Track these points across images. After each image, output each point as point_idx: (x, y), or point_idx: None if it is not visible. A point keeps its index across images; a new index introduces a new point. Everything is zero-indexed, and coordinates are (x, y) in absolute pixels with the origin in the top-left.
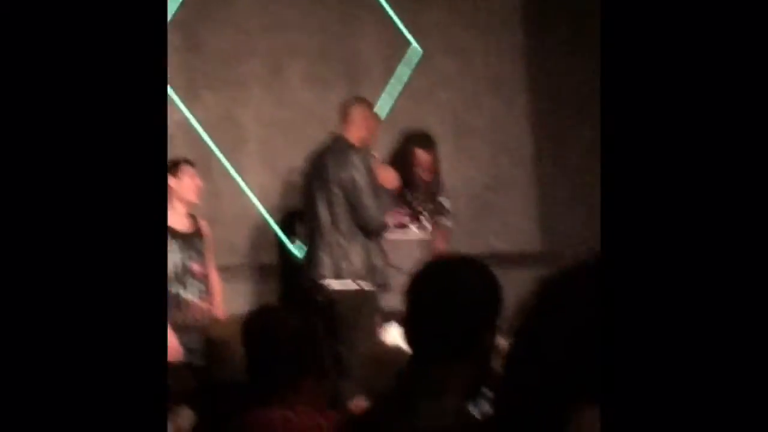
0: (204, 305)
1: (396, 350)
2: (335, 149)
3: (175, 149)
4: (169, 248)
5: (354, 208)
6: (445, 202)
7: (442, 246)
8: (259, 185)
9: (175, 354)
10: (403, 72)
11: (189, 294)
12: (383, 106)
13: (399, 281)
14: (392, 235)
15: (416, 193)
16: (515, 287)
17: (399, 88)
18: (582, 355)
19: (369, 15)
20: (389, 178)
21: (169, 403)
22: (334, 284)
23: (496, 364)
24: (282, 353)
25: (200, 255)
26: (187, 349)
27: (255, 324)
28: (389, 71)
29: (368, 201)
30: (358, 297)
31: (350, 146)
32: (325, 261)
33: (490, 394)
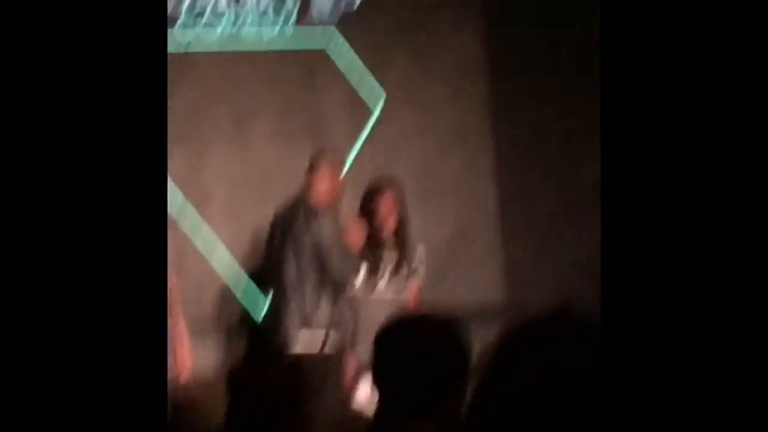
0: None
1: (366, 408)
2: (301, 209)
3: None
4: None
5: (320, 268)
6: (420, 252)
7: (412, 300)
8: (226, 240)
9: None
10: (368, 125)
11: None
12: (349, 160)
13: (368, 336)
14: (361, 290)
15: (383, 244)
16: (481, 339)
17: (363, 141)
18: (547, 401)
19: (333, 69)
20: (355, 233)
21: None
22: (302, 338)
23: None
24: (259, 410)
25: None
26: None
27: (233, 379)
28: (354, 125)
29: (334, 259)
30: (324, 358)
31: (315, 205)
32: (294, 314)
33: None
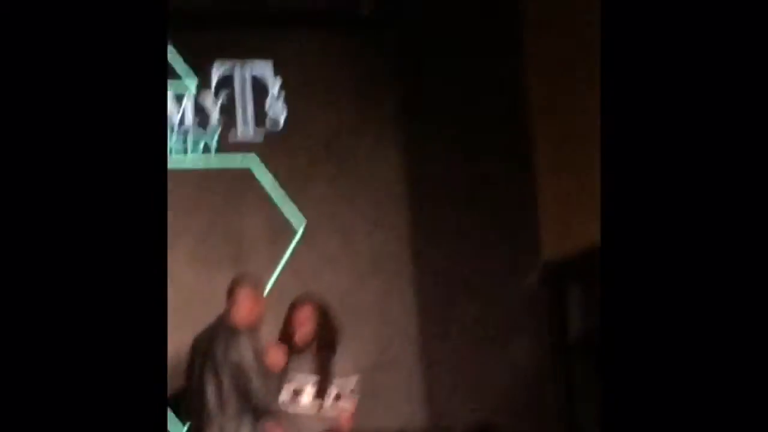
0: None
1: None
2: (222, 331)
3: None
4: None
5: (242, 391)
6: (354, 380)
7: (344, 424)
8: None
9: None
10: (287, 250)
11: None
12: (269, 284)
13: None
14: (285, 405)
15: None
16: None
17: (283, 266)
18: None
19: (253, 193)
20: (277, 358)
21: None
22: None
23: None
24: None
25: None
26: None
27: None
28: (274, 250)
29: (256, 385)
30: None
31: (236, 328)
32: None
33: None
